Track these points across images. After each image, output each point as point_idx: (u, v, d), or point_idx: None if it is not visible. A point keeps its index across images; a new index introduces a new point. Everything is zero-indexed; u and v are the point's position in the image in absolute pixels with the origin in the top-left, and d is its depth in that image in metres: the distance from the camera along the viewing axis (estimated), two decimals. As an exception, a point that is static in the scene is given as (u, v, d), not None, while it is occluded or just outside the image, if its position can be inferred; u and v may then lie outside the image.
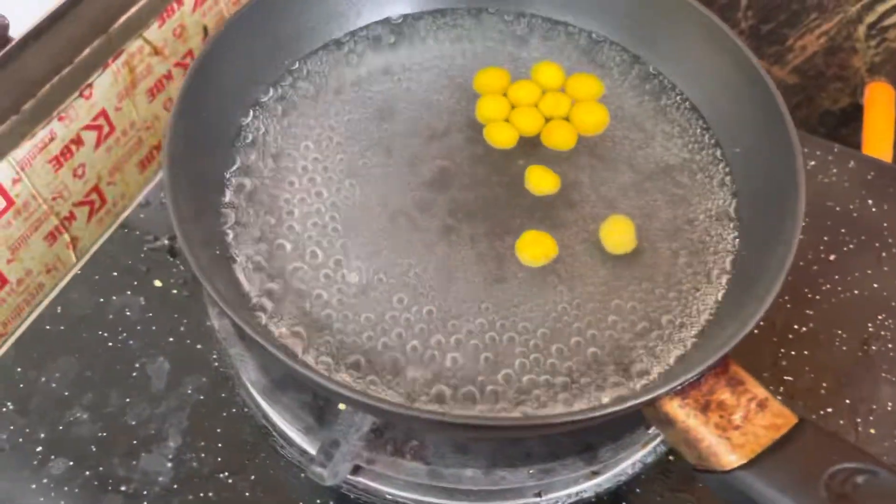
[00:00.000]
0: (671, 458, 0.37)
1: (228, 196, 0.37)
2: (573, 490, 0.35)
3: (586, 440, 0.33)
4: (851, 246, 0.43)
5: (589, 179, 0.38)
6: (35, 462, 0.37)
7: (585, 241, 0.36)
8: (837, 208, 0.45)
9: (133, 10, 0.50)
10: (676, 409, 0.28)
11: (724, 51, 0.37)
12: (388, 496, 0.36)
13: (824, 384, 0.39)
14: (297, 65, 0.41)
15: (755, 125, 0.35)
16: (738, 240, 0.35)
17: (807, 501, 0.25)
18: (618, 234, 0.36)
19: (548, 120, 0.41)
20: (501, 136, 0.40)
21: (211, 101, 0.37)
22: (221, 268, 0.33)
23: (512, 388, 0.32)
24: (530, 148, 0.40)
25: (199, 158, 0.35)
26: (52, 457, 0.37)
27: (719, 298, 0.34)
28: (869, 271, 0.42)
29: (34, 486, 0.36)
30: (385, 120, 0.40)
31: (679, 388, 0.28)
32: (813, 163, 0.47)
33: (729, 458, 0.27)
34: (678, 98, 0.40)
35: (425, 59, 0.42)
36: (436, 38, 0.43)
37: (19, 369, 0.39)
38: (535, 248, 0.36)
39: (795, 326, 0.40)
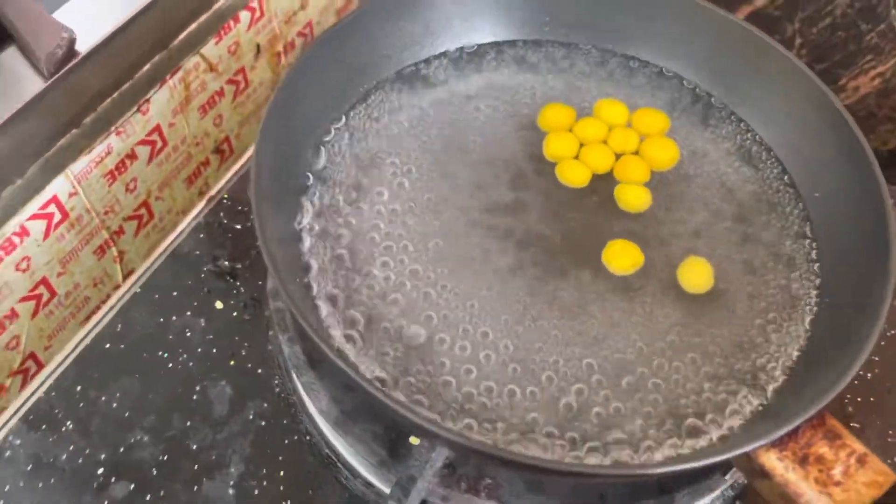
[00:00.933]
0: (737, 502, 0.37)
1: (307, 222, 0.36)
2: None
3: (665, 484, 0.33)
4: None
5: (663, 216, 0.38)
6: (95, 485, 0.36)
7: (661, 280, 0.36)
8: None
9: (193, 26, 0.50)
10: (774, 461, 0.27)
11: (805, 93, 0.37)
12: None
13: (890, 432, 0.39)
14: (370, 92, 0.40)
15: (838, 171, 0.35)
16: (818, 290, 0.35)
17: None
18: (695, 275, 0.36)
19: (618, 156, 0.41)
20: (575, 176, 0.40)
21: (290, 128, 0.36)
22: (305, 298, 0.33)
23: (596, 431, 0.32)
24: (602, 183, 0.40)
25: (278, 185, 0.35)
26: (113, 479, 0.36)
27: (802, 345, 0.33)
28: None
29: (94, 509, 0.35)
30: (454, 149, 0.40)
31: (778, 440, 0.27)
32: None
33: (830, 515, 0.26)
34: (753, 138, 0.40)
35: (494, 90, 0.42)
36: (504, 70, 0.43)
37: (79, 388, 0.39)
38: (622, 257, 0.36)
39: (861, 372, 0.40)
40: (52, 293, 0.48)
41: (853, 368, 0.28)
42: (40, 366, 0.47)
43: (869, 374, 0.41)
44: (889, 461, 0.38)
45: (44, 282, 0.46)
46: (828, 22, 0.51)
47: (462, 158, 0.40)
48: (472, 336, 0.34)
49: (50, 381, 0.39)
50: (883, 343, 0.41)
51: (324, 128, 0.39)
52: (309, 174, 0.38)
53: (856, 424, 0.39)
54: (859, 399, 0.40)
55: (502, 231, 0.37)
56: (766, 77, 0.39)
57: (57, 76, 0.41)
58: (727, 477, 0.34)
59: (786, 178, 0.39)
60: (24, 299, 0.45)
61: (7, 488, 0.36)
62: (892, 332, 0.42)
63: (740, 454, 0.27)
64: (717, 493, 0.36)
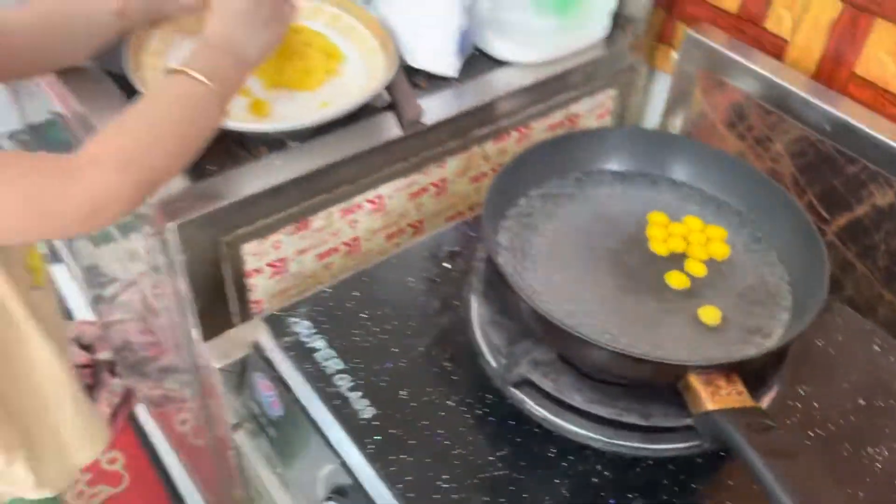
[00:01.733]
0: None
1: (503, 239, 0.68)
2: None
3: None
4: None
5: (712, 282, 0.64)
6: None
7: (692, 309, 0.62)
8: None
9: (490, 128, 0.85)
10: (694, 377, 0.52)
11: (805, 234, 0.62)
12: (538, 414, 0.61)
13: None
14: (542, 187, 0.71)
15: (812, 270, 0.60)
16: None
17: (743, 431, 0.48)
18: (711, 312, 0.61)
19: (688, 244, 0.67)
20: (661, 249, 0.67)
21: (497, 201, 0.68)
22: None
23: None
24: (678, 258, 0.66)
25: (491, 225, 0.67)
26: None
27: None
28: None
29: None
30: (589, 229, 0.68)
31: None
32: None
33: (708, 405, 0.50)
34: (769, 249, 0.65)
35: (620, 196, 0.71)
36: (629, 185, 0.72)
37: (352, 302, 0.72)
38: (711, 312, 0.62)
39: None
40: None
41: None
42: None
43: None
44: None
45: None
46: None
47: (596, 236, 0.68)
48: (586, 316, 0.62)
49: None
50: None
51: (511, 204, 0.69)
52: (498, 228, 0.69)
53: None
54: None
55: (614, 267, 0.65)
56: (775, 214, 0.65)
57: (409, 133, 0.78)
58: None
59: (788, 278, 0.63)
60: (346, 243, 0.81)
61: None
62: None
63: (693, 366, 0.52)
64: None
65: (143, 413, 1.55)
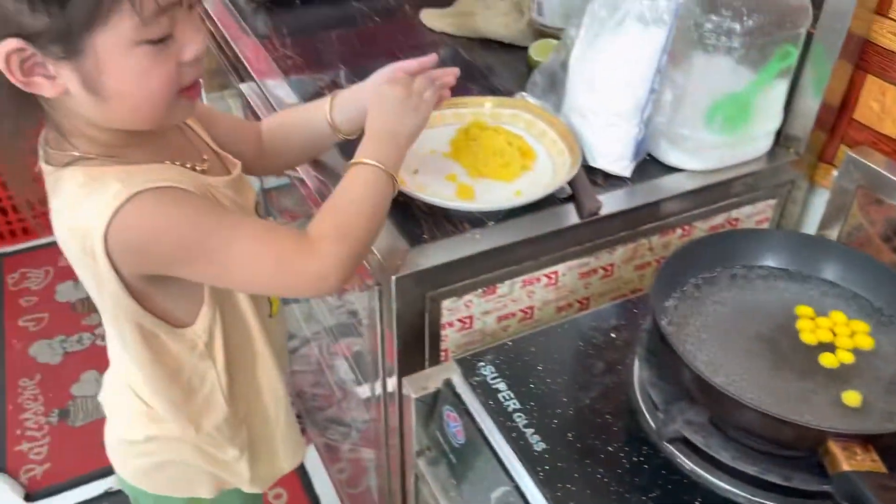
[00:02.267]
0: None
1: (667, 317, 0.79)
2: None
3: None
4: None
5: (857, 369, 0.72)
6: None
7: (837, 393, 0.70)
8: None
9: (657, 224, 0.98)
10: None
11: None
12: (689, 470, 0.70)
13: None
14: (705, 274, 0.81)
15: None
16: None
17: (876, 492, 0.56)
18: (853, 395, 0.69)
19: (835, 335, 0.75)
20: (811, 338, 0.75)
21: (666, 279, 0.79)
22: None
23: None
24: (827, 347, 0.75)
25: (659, 304, 0.78)
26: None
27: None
28: None
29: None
30: (743, 314, 0.78)
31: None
32: None
33: (845, 466, 0.58)
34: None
35: (773, 288, 0.80)
36: (782, 280, 0.81)
37: (530, 356, 0.85)
38: (853, 395, 0.70)
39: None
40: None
41: None
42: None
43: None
44: None
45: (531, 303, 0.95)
46: None
47: (748, 318, 0.78)
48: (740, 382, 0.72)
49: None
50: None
51: (679, 283, 0.81)
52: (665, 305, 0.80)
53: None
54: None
55: (765, 349, 0.75)
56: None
57: (586, 220, 0.92)
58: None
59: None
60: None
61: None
62: None
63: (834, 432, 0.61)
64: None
65: (309, 456, 1.72)
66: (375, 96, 0.85)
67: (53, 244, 0.75)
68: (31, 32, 0.62)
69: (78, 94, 0.66)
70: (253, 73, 1.23)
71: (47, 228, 0.74)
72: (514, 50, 1.29)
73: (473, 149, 0.98)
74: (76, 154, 0.71)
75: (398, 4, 1.44)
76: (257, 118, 1.21)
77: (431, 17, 1.35)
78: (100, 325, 2.09)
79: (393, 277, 0.84)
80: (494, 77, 1.22)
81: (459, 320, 0.91)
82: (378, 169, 0.78)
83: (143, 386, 0.84)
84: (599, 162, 0.98)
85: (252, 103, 1.22)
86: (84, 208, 0.68)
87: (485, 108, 1.06)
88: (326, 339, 1.67)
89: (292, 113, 0.98)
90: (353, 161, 0.80)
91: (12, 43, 0.62)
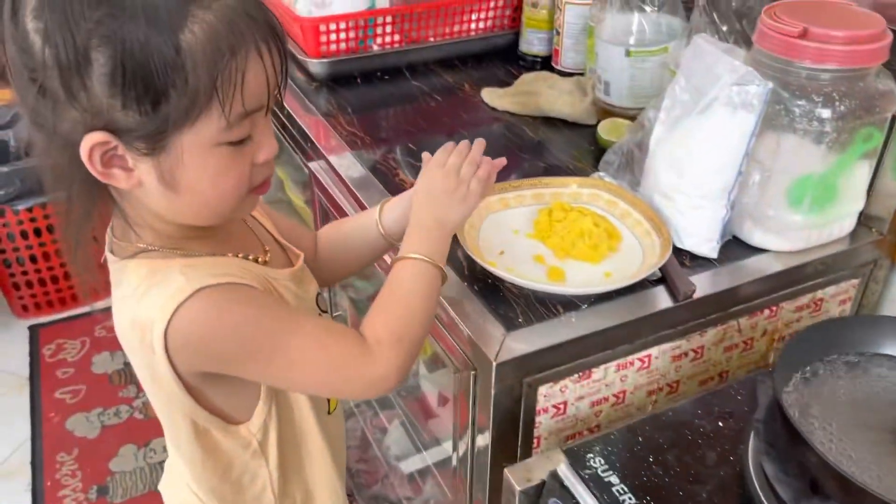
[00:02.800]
0: None
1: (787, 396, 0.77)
2: None
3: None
4: None
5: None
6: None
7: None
8: None
9: (744, 305, 0.97)
10: None
11: None
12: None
13: None
14: (824, 359, 0.80)
15: None
16: None
17: None
18: None
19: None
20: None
21: (786, 366, 0.78)
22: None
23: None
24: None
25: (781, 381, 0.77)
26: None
27: None
28: None
29: None
30: (865, 404, 0.76)
31: None
32: None
33: None
34: None
35: (889, 376, 0.79)
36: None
37: (638, 446, 0.83)
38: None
39: None
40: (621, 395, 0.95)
41: None
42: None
43: None
44: None
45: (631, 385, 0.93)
46: None
47: (871, 408, 0.76)
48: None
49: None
50: None
51: (798, 369, 0.79)
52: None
53: None
54: None
55: (891, 443, 0.73)
56: None
57: (680, 303, 0.91)
58: None
59: None
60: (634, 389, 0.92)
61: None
62: None
63: None
64: None
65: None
66: (422, 184, 0.85)
67: (89, 314, 0.76)
68: (120, 128, 0.63)
69: (151, 188, 0.67)
70: (323, 150, 1.24)
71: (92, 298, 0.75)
72: (578, 128, 1.30)
73: (559, 230, 0.98)
74: (141, 245, 0.71)
75: (456, 84, 1.46)
76: (328, 196, 1.21)
77: (493, 96, 1.37)
78: (137, 397, 2.07)
79: (494, 363, 0.82)
80: (561, 154, 1.23)
81: (554, 406, 0.90)
82: (425, 263, 0.77)
83: (192, 481, 0.83)
84: (686, 243, 0.98)
85: (322, 181, 1.23)
86: (146, 302, 0.68)
87: (564, 188, 1.06)
88: (369, 412, 1.65)
89: (346, 222, 0.98)
90: (398, 256, 0.79)
91: (99, 136, 0.63)
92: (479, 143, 0.89)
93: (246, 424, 0.78)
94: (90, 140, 0.63)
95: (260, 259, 0.78)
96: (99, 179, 0.66)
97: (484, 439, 0.90)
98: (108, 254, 0.74)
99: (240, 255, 0.76)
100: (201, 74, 0.61)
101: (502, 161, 0.90)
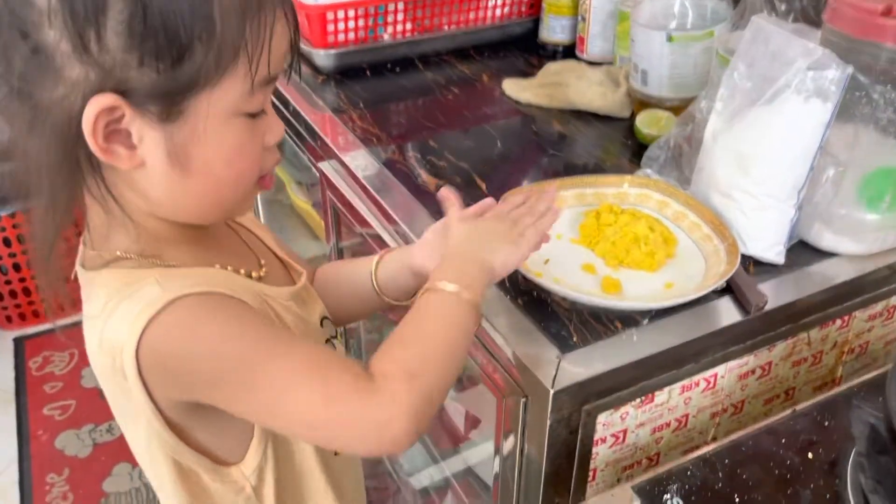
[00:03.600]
0: None
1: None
2: None
3: None
4: None
5: None
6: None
7: None
8: None
9: (815, 316, 0.87)
10: None
11: None
12: None
13: None
14: None
15: None
16: None
17: None
18: None
19: None
20: None
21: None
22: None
23: None
24: None
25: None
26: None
27: None
28: None
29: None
30: None
31: None
32: None
33: None
34: None
35: None
36: None
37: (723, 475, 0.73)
38: None
39: None
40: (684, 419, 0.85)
41: None
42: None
43: None
44: None
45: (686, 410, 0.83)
46: None
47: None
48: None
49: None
50: None
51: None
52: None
53: None
54: None
55: None
56: None
57: (751, 316, 0.81)
58: None
59: None
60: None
61: None
62: None
63: None
64: None
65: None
66: (464, 225, 0.73)
67: (78, 324, 0.65)
68: (133, 89, 0.54)
69: (155, 169, 0.58)
70: (334, 149, 1.13)
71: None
72: (611, 121, 1.20)
73: (609, 235, 0.87)
74: (117, 253, 0.61)
75: (473, 76, 1.36)
76: (341, 199, 1.11)
77: (516, 88, 1.27)
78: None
79: (551, 392, 0.72)
80: (595, 150, 1.13)
81: (613, 435, 0.80)
82: (456, 297, 0.64)
83: None
84: (750, 247, 0.88)
85: (334, 182, 1.12)
86: (116, 319, 0.58)
87: (609, 188, 0.96)
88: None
89: (345, 265, 0.88)
90: (427, 286, 0.66)
91: (108, 99, 0.54)
92: (550, 193, 0.78)
93: (238, 466, 0.68)
94: (97, 104, 0.53)
95: (254, 274, 0.68)
96: (100, 157, 0.56)
97: (534, 471, 0.80)
98: (77, 268, 0.64)
99: (229, 268, 0.66)
100: (230, 26, 0.54)
101: (556, 213, 0.78)
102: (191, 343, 0.57)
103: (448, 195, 0.77)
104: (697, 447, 0.82)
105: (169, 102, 0.55)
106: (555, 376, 0.73)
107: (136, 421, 0.63)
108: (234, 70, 0.56)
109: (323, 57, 1.31)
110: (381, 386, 0.57)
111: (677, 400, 0.82)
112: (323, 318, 0.77)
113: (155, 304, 0.57)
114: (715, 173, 0.91)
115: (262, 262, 0.72)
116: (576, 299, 0.80)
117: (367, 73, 1.36)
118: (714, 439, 0.88)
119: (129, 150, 0.56)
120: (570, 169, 1.07)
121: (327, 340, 0.77)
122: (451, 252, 0.71)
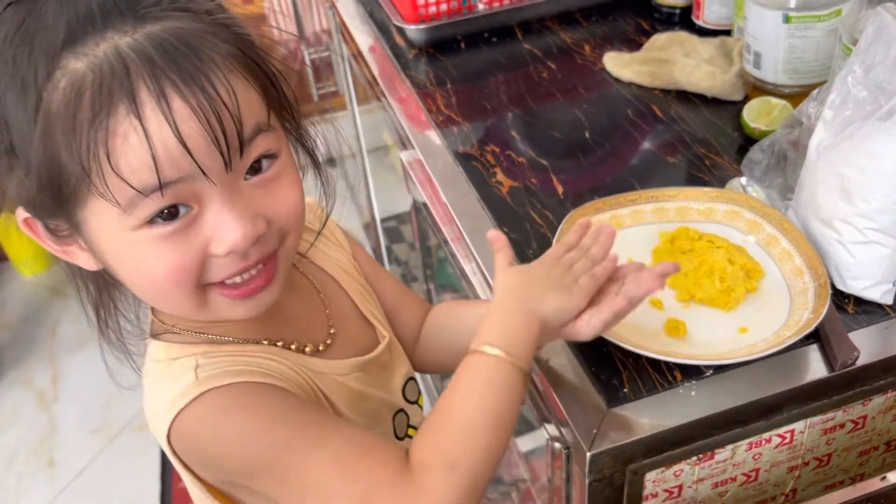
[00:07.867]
0: None
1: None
2: None
3: None
4: None
5: None
6: None
7: None
8: None
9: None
10: None
11: None
12: None
13: None
14: None
15: None
16: None
17: None
18: None
19: None
20: None
21: None
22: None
23: None
24: None
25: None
26: None
27: None
28: None
29: None
30: None
31: None
32: None
33: None
34: None
35: None
36: None
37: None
38: None
39: None
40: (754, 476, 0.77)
41: None
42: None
43: None
44: None
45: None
46: None
47: None
48: None
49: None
50: None
51: None
52: None
53: None
54: None
55: None
56: None
57: (839, 372, 0.71)
58: None
59: None
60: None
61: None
62: None
63: None
64: None
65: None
66: (510, 273, 0.67)
67: None
68: (26, 201, 0.54)
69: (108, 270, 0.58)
70: (412, 139, 1.09)
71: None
72: (720, 105, 1.07)
73: (684, 264, 0.79)
74: (166, 324, 0.62)
75: (575, 45, 1.25)
76: (426, 192, 1.07)
77: (617, 64, 1.16)
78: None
79: (588, 454, 0.67)
80: (696, 142, 1.01)
81: (666, 490, 0.74)
82: (501, 361, 0.59)
83: None
84: (850, 285, 0.76)
85: (414, 176, 1.09)
86: (157, 391, 0.60)
87: (693, 203, 0.86)
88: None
89: (465, 306, 0.81)
90: (471, 347, 0.61)
91: (21, 212, 0.55)
92: (608, 236, 0.71)
93: None
94: (18, 216, 0.55)
95: (309, 347, 0.66)
96: (64, 259, 0.58)
97: (577, 520, 0.76)
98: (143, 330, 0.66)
99: (279, 343, 0.64)
100: (55, 142, 0.49)
101: (610, 266, 0.69)
102: (221, 434, 0.58)
103: (496, 238, 0.70)
104: (774, 498, 0.75)
105: (61, 215, 0.54)
106: (594, 438, 0.68)
107: (189, 487, 0.65)
108: (87, 187, 0.50)
109: (414, 31, 1.26)
110: (419, 480, 0.55)
111: (744, 456, 0.74)
112: (408, 381, 0.74)
113: (188, 394, 0.57)
114: (816, 196, 0.79)
115: (332, 329, 0.70)
116: (631, 351, 0.73)
117: (462, 45, 1.29)
118: (794, 492, 0.80)
119: (83, 250, 0.57)
120: (661, 170, 0.97)
121: (400, 411, 0.74)
122: (497, 305, 0.65)
